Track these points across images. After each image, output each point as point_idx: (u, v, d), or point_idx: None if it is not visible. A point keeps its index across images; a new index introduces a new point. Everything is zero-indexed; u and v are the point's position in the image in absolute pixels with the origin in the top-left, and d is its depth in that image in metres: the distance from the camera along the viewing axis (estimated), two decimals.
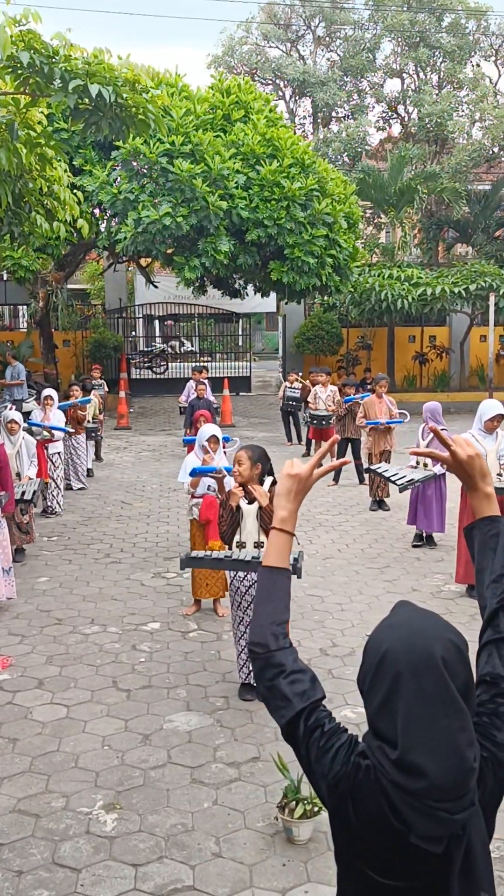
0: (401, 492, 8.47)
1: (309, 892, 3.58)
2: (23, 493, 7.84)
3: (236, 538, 5.34)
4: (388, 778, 1.55)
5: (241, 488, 5.31)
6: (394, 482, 8.31)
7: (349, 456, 11.96)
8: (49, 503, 10.40)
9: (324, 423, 12.54)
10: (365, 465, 11.33)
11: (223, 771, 4.57)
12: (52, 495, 10.39)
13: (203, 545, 6.79)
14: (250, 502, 5.30)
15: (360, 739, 1.71)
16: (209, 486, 6.81)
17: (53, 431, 10.18)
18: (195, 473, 6.69)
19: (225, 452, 7.37)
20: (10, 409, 9.85)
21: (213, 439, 6.87)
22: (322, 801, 1.72)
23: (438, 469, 8.34)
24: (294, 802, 3.90)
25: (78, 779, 4.51)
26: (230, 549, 5.42)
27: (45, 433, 10.10)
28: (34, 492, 8.04)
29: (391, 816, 1.56)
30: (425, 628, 1.61)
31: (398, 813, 1.55)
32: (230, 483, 6.66)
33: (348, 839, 1.67)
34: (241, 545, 5.30)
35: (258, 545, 5.25)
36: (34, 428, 9.92)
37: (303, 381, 14.90)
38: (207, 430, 6.95)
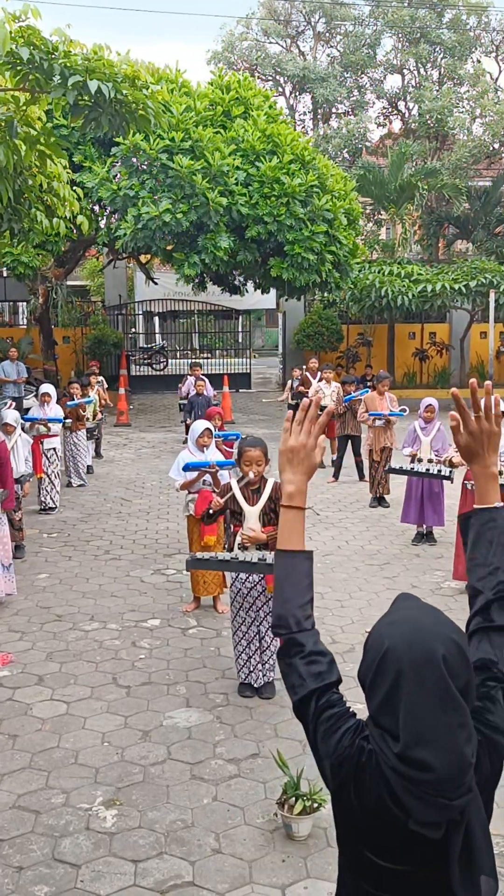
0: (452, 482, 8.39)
1: (308, 887, 3.59)
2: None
3: (238, 539, 5.32)
4: (390, 765, 1.56)
5: (220, 500, 5.36)
6: (443, 476, 8.25)
7: (349, 453, 11.97)
8: (43, 499, 10.41)
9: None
10: (365, 463, 11.35)
11: (223, 767, 4.57)
12: (47, 491, 10.39)
13: (199, 541, 6.79)
14: (253, 504, 5.29)
15: (363, 728, 1.72)
16: (204, 480, 6.82)
17: (50, 425, 10.18)
18: (188, 468, 6.71)
19: (230, 452, 7.43)
20: (10, 406, 9.86)
21: (207, 433, 6.92)
22: (325, 782, 1.74)
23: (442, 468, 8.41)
24: (293, 799, 3.90)
25: (78, 775, 4.51)
26: (226, 544, 5.43)
27: (42, 427, 10.10)
28: (23, 474, 8.10)
29: (390, 802, 1.57)
30: (427, 626, 1.61)
31: (397, 798, 1.56)
32: (224, 476, 6.71)
33: (350, 822, 1.69)
34: (244, 547, 5.29)
35: (261, 547, 5.24)
36: (27, 424, 9.92)
37: (302, 373, 14.88)
38: (199, 424, 7.02)
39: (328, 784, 1.72)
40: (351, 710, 1.76)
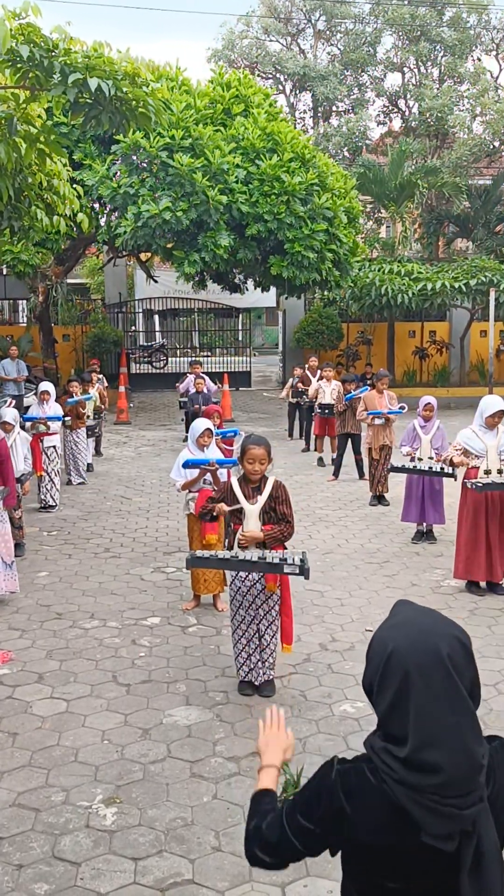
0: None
1: (308, 885, 3.60)
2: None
3: (237, 540, 5.30)
4: (396, 777, 1.55)
5: (223, 504, 5.32)
6: (446, 473, 8.20)
7: (349, 451, 11.96)
8: (43, 497, 10.41)
9: (328, 411, 12.59)
10: (365, 461, 11.35)
11: (223, 765, 4.58)
12: (47, 489, 10.39)
13: (200, 539, 6.79)
14: (253, 502, 5.27)
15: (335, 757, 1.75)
16: (205, 479, 6.82)
17: (49, 423, 10.19)
18: (187, 465, 6.71)
19: (230, 450, 7.43)
20: (10, 404, 9.87)
21: (207, 433, 6.90)
22: (321, 830, 1.74)
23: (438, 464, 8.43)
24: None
25: (78, 773, 4.52)
26: (226, 542, 5.41)
27: (42, 426, 10.11)
28: (23, 473, 8.11)
29: (398, 819, 1.57)
30: (429, 627, 1.62)
31: (406, 814, 1.55)
32: (224, 475, 6.71)
33: (354, 845, 1.68)
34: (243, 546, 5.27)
35: (261, 546, 5.22)
36: (27, 423, 9.92)
37: (303, 371, 14.85)
38: (200, 424, 6.98)
39: (336, 844, 1.74)
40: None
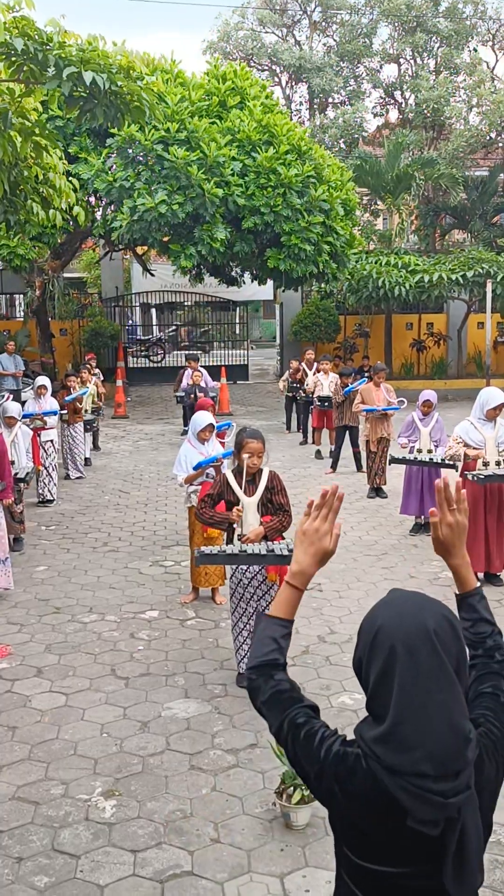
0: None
1: (307, 876, 3.61)
2: (15, 473, 7.85)
3: (238, 530, 5.32)
4: (383, 763, 1.57)
5: (239, 510, 5.30)
6: (447, 465, 8.08)
7: (347, 443, 11.96)
8: (41, 491, 10.41)
9: (327, 404, 12.57)
10: (363, 454, 11.35)
11: (221, 757, 4.59)
12: (44, 483, 10.40)
13: (201, 533, 6.80)
14: (250, 494, 5.28)
15: (344, 734, 1.75)
16: (207, 473, 6.82)
17: (46, 419, 10.19)
18: (198, 468, 6.71)
19: (223, 443, 7.42)
20: (8, 398, 9.87)
21: (209, 428, 6.89)
22: (313, 793, 1.77)
23: (438, 455, 8.42)
24: (292, 788, 3.92)
25: (77, 766, 4.53)
26: (229, 539, 5.42)
27: (38, 421, 10.12)
28: (27, 472, 8.10)
29: (386, 805, 1.58)
30: (417, 604, 1.65)
31: (394, 800, 1.57)
32: (225, 468, 6.70)
33: (342, 828, 1.70)
34: (243, 537, 5.28)
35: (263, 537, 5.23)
36: (25, 419, 9.93)
37: (297, 364, 14.80)
38: (202, 418, 6.95)
39: (315, 794, 1.76)
40: (317, 723, 1.79)
